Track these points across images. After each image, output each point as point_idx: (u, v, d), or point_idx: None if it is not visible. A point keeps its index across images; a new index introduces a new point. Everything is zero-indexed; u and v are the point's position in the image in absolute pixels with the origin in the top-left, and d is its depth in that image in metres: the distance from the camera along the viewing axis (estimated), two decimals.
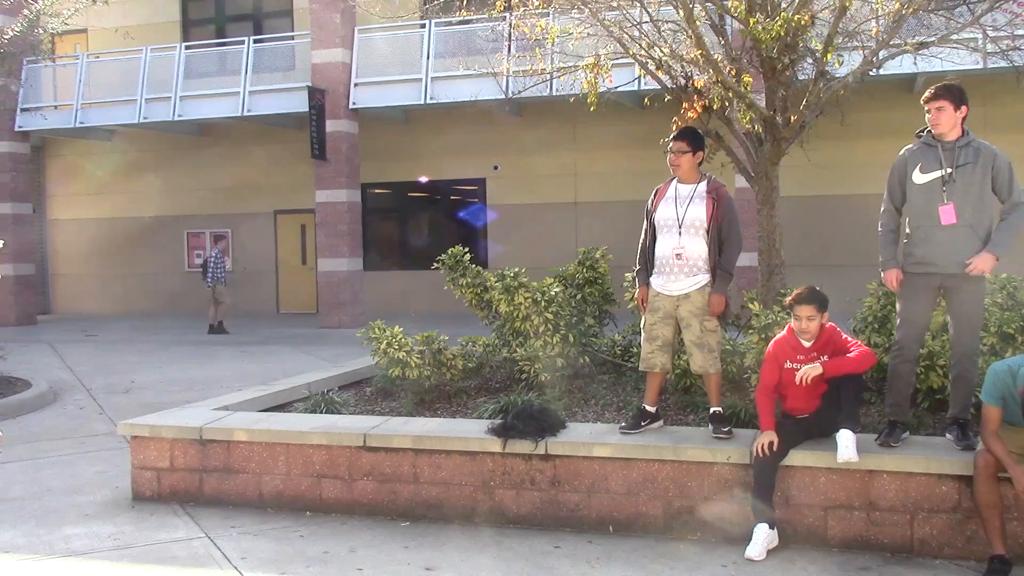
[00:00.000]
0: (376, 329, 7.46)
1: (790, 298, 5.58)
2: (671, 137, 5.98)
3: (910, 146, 5.58)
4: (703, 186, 5.93)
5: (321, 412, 7.03)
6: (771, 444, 5.27)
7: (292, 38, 20.39)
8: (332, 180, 18.66)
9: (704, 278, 5.87)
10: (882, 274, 5.63)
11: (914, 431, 5.79)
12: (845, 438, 5.17)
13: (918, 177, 5.43)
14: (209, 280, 17.89)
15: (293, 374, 9.63)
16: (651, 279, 6.01)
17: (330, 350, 14.32)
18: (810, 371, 5.31)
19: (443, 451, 6.00)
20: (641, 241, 6.13)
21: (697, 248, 5.86)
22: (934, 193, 5.36)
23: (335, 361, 11.44)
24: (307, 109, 18.32)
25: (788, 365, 5.49)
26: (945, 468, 5.17)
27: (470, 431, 6.11)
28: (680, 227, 5.87)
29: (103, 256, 23.68)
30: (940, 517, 5.17)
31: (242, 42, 19.86)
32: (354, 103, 18.69)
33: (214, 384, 11.47)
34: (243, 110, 19.43)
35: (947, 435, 5.51)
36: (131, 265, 23.47)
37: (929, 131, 5.50)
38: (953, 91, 5.38)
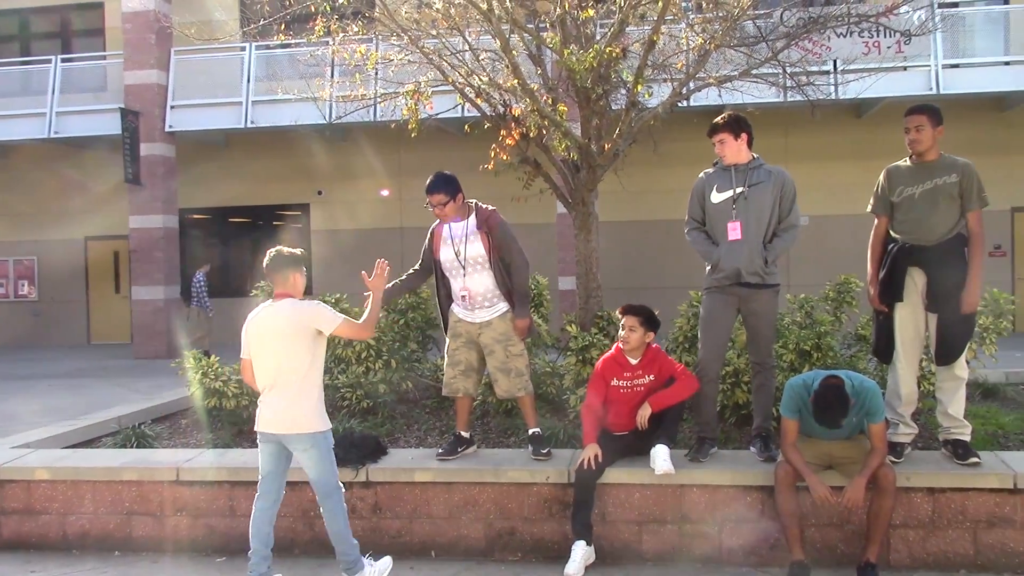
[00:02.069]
0: (191, 359, 7.23)
1: (620, 308, 5.78)
2: (426, 191, 5.93)
3: (709, 170, 5.90)
4: (473, 221, 5.95)
5: (132, 446, 6.74)
6: (596, 456, 5.41)
7: (104, 58, 19.57)
8: (147, 205, 17.95)
9: (503, 305, 5.95)
10: (715, 264, 5.77)
11: (722, 445, 6.08)
12: (662, 452, 5.38)
13: (714, 197, 5.76)
14: (194, 303, 16.86)
15: (103, 407, 9.18)
16: (453, 305, 6.06)
17: (144, 382, 13.73)
18: (643, 413, 5.52)
19: None
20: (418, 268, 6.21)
21: (484, 284, 5.92)
22: (726, 211, 5.68)
23: (149, 393, 10.98)
24: (120, 131, 17.58)
25: (615, 383, 5.67)
26: (749, 480, 5.44)
27: None
28: (464, 267, 5.92)
29: None
30: (746, 527, 5.44)
31: (49, 60, 18.89)
32: (170, 126, 18.08)
33: (16, 420, 10.77)
34: (50, 132, 18.48)
35: (751, 448, 5.81)
36: None
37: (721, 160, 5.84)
38: (730, 123, 5.74)
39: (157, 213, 17.96)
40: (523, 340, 6.01)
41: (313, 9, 7.65)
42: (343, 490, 5.14)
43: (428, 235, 6.13)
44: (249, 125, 17.84)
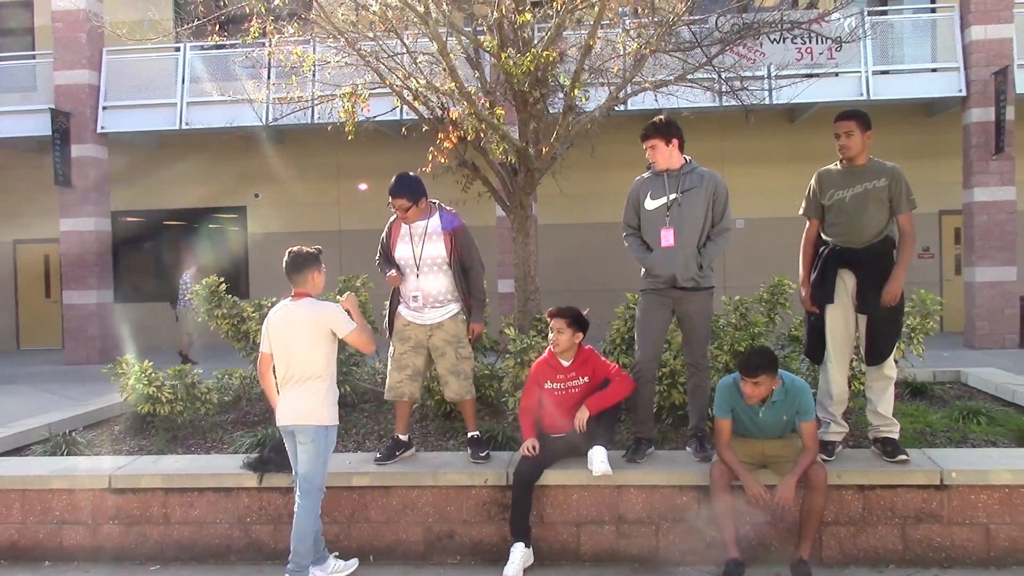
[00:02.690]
0: (124, 364, 7.11)
1: (548, 311, 5.82)
2: (390, 193, 5.89)
3: (643, 175, 5.95)
4: (436, 221, 5.98)
5: (62, 454, 6.60)
6: (534, 447, 5.51)
7: (34, 57, 19.12)
8: (79, 208, 17.58)
9: (454, 306, 5.98)
10: (650, 269, 5.83)
11: (659, 446, 6.13)
12: (599, 453, 5.42)
13: (648, 204, 5.82)
14: (179, 305, 16.40)
15: (33, 415, 8.96)
16: (400, 309, 6.03)
17: (77, 388, 13.44)
18: (581, 417, 5.55)
19: (196, 489, 5.79)
20: (381, 267, 6.13)
21: (438, 285, 5.95)
22: (659, 217, 5.75)
23: (81, 399, 10.75)
24: (50, 132, 17.20)
25: (548, 385, 5.70)
26: (686, 480, 5.51)
27: (225, 467, 5.93)
28: (418, 267, 5.93)
29: None
30: (682, 526, 5.50)
31: None
32: (102, 127, 17.72)
33: None
34: None
35: (687, 448, 5.89)
36: None
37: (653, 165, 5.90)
38: (660, 128, 5.80)
39: (89, 216, 17.60)
40: (470, 343, 6.07)
41: (248, 10, 7.57)
42: (323, 494, 5.19)
43: (386, 230, 6.09)
44: (184, 127, 17.57)
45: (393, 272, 5.95)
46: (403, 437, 6.03)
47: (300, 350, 5.09)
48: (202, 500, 5.79)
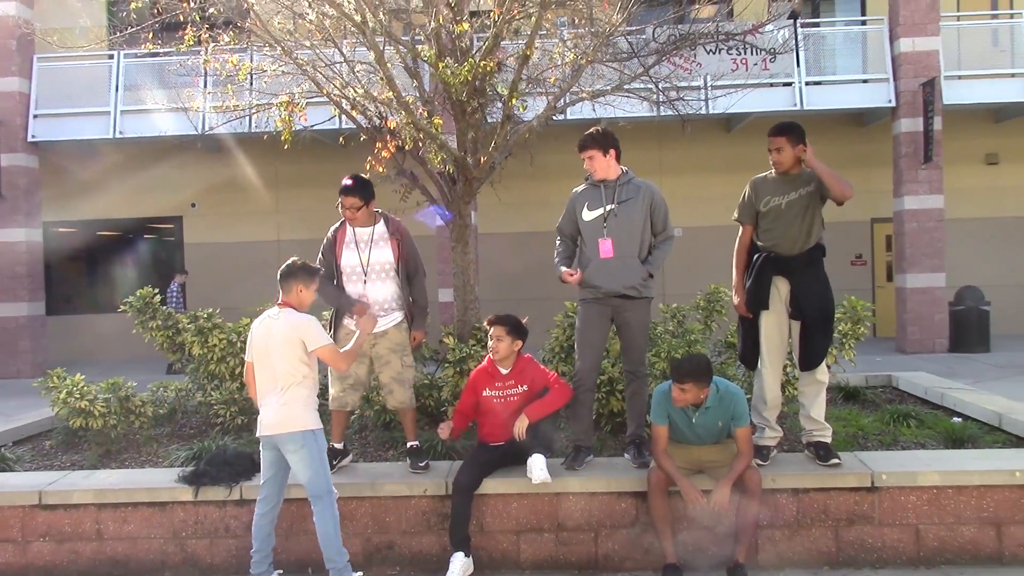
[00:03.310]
0: (55, 378, 6.97)
1: (487, 319, 5.84)
2: (341, 192, 5.95)
3: (580, 187, 6.01)
4: (382, 227, 6.02)
5: None
6: (450, 429, 5.72)
7: None
8: (8, 218, 17.20)
9: (397, 315, 6.00)
10: (561, 276, 5.92)
11: (597, 453, 6.18)
12: (538, 461, 5.44)
13: (586, 215, 5.87)
14: None
15: None
16: (344, 321, 6.00)
17: (6, 402, 13.11)
18: (520, 425, 5.56)
19: (130, 504, 5.69)
20: (322, 286, 5.87)
21: (384, 292, 5.96)
22: (597, 228, 5.80)
23: (11, 414, 10.47)
24: None
25: (487, 393, 5.71)
26: (624, 486, 5.56)
27: (159, 481, 5.84)
28: (365, 274, 5.93)
29: None
30: (621, 532, 5.54)
31: None
32: (33, 136, 17.38)
33: None
34: None
35: (625, 455, 5.94)
36: None
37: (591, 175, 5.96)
38: (597, 139, 5.87)
39: (19, 227, 17.24)
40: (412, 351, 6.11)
41: (183, 18, 7.47)
42: (336, 494, 5.17)
43: (330, 239, 6.03)
44: (118, 135, 17.30)
45: (354, 314, 5.88)
46: (339, 446, 6.00)
47: (277, 360, 5.10)
48: (136, 515, 5.69)
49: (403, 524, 5.62)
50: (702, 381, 5.21)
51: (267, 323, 5.20)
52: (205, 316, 7.30)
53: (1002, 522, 5.42)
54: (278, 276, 5.25)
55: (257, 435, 5.25)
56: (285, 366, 5.09)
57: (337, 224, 6.04)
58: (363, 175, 6.12)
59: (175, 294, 17.24)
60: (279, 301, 5.25)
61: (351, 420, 6.78)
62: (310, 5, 7.25)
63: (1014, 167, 19.01)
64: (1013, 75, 16.97)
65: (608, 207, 5.80)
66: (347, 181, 5.99)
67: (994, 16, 18.56)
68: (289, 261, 5.29)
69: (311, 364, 5.18)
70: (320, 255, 6.06)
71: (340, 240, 6.00)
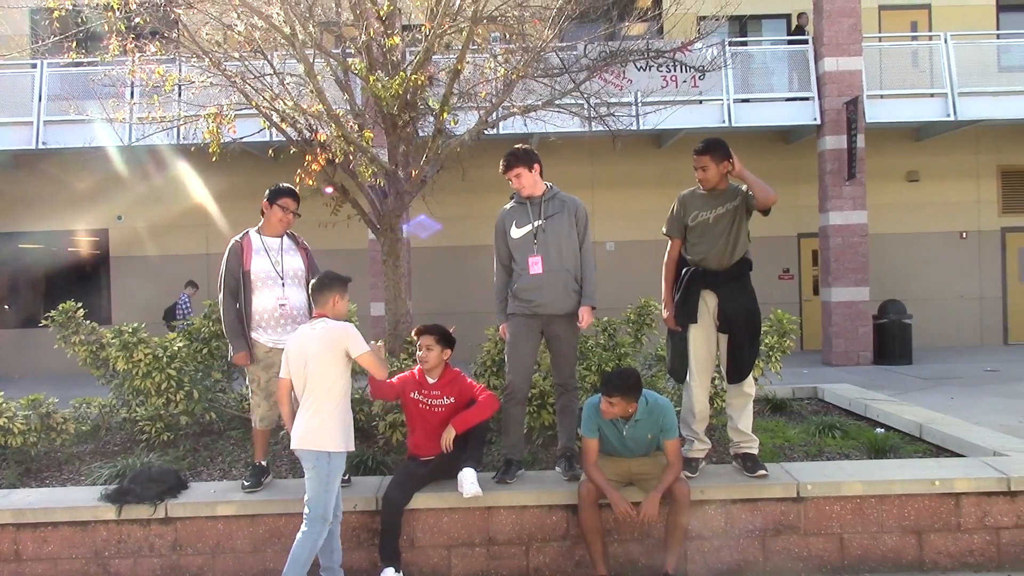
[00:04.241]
0: None
1: (415, 329, 5.83)
2: (285, 194, 5.96)
3: (507, 205, 6.04)
4: (289, 240, 6.03)
5: None
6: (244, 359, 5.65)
7: None
8: None
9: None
10: (518, 295, 5.92)
11: (529, 467, 6.19)
12: (469, 475, 5.43)
13: (515, 232, 5.91)
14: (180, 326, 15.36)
15: None
16: (255, 336, 5.88)
17: None
18: (447, 436, 5.55)
19: (50, 523, 5.54)
20: (226, 302, 5.87)
21: (300, 297, 5.92)
22: (527, 245, 5.84)
23: None
24: None
25: (414, 396, 5.70)
26: (555, 499, 5.57)
27: (81, 499, 5.69)
28: (282, 278, 5.88)
29: None
30: (552, 545, 5.55)
31: None
32: None
33: None
34: None
35: (557, 468, 5.96)
36: None
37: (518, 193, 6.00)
38: (521, 156, 5.92)
39: None
40: None
41: (107, 27, 7.34)
42: (328, 525, 4.99)
43: (235, 248, 5.89)
44: (40, 146, 16.90)
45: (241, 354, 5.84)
46: (263, 463, 5.92)
47: (313, 369, 5.02)
48: (56, 535, 5.54)
49: None
50: (631, 395, 5.25)
51: (301, 335, 5.14)
52: (130, 331, 7.14)
53: (922, 530, 5.55)
54: (311, 289, 5.24)
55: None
56: (323, 376, 5.00)
57: (239, 235, 5.97)
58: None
59: (185, 305, 17.00)
60: (314, 314, 5.21)
61: (280, 435, 6.71)
62: (239, 17, 7.18)
63: (934, 184, 19.59)
64: (932, 95, 17.48)
65: (536, 223, 5.84)
66: (285, 185, 6.04)
67: (914, 38, 19.12)
68: (323, 273, 5.29)
69: (346, 376, 5.10)
70: (224, 264, 5.89)
71: (247, 248, 5.90)
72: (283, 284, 5.87)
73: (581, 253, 5.92)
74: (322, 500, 4.94)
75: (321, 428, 4.97)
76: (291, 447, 5.10)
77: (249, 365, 5.84)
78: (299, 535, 4.93)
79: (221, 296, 5.91)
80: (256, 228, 6.02)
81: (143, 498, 5.51)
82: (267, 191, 6.03)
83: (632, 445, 5.41)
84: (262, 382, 5.88)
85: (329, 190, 7.52)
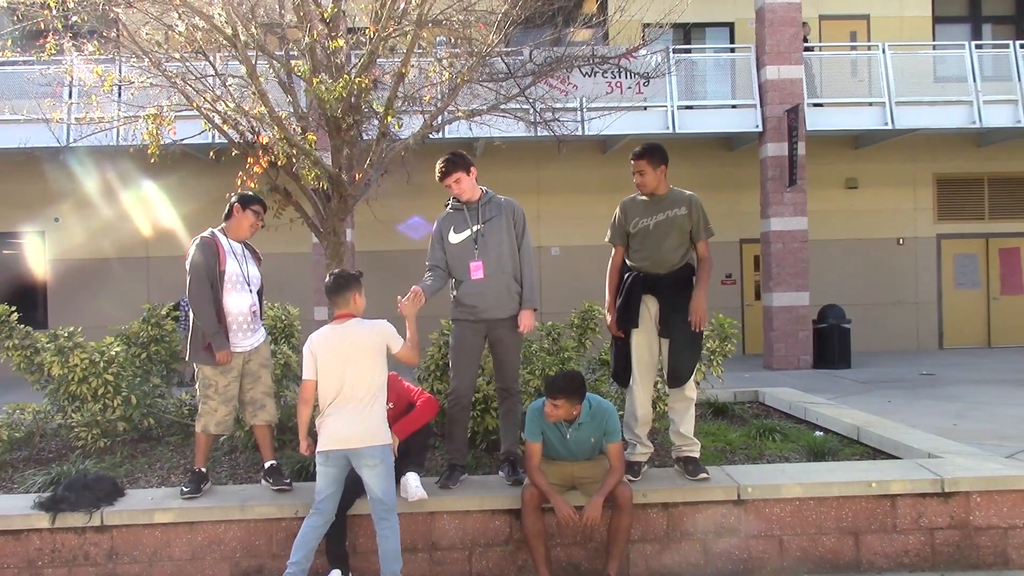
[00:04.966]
0: None
1: None
2: (256, 201, 6.01)
3: (444, 211, 6.04)
4: (246, 248, 6.03)
5: None
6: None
7: None
8: None
9: (263, 331, 6.01)
10: (461, 301, 5.95)
11: (472, 471, 6.18)
12: (413, 480, 5.42)
13: (453, 237, 5.92)
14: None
15: None
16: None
17: None
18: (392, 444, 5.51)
19: None
20: (205, 297, 5.74)
21: (258, 305, 5.98)
22: (467, 251, 5.85)
23: None
24: None
25: None
26: (498, 504, 5.57)
27: (14, 508, 5.56)
28: (249, 284, 5.87)
29: None
30: (495, 550, 5.55)
31: None
32: None
33: None
34: None
35: (500, 472, 5.95)
36: None
37: (456, 199, 6.00)
38: (458, 162, 5.93)
39: None
40: None
41: (43, 26, 7.19)
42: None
43: (209, 247, 5.78)
44: None
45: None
46: (204, 469, 5.84)
47: (355, 368, 5.08)
48: None
49: (273, 547, 5.49)
50: (575, 397, 5.27)
51: (336, 333, 5.16)
52: (66, 335, 7.00)
53: (859, 531, 5.64)
54: (328, 290, 5.29)
55: (322, 449, 5.10)
56: (366, 376, 5.09)
57: (207, 234, 5.90)
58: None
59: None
60: (336, 315, 5.23)
61: (220, 442, 6.63)
62: (180, 17, 7.08)
63: (872, 191, 19.96)
64: (871, 104, 17.82)
65: (475, 228, 5.86)
66: (254, 193, 6.16)
67: (853, 48, 19.50)
68: (336, 273, 5.36)
69: (385, 371, 5.21)
70: (199, 259, 5.75)
71: (220, 248, 5.85)
72: (250, 291, 5.85)
73: (520, 255, 5.95)
74: (393, 490, 5.11)
75: (379, 423, 5.12)
76: (337, 448, 5.05)
77: (227, 363, 5.75)
78: (384, 532, 5.03)
79: (195, 290, 5.75)
80: (219, 229, 5.95)
81: (78, 506, 5.39)
82: (238, 195, 6.03)
83: (575, 448, 5.43)
84: (220, 386, 5.80)
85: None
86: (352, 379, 5.08)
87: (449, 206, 6.02)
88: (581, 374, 5.72)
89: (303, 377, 5.25)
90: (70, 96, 12.57)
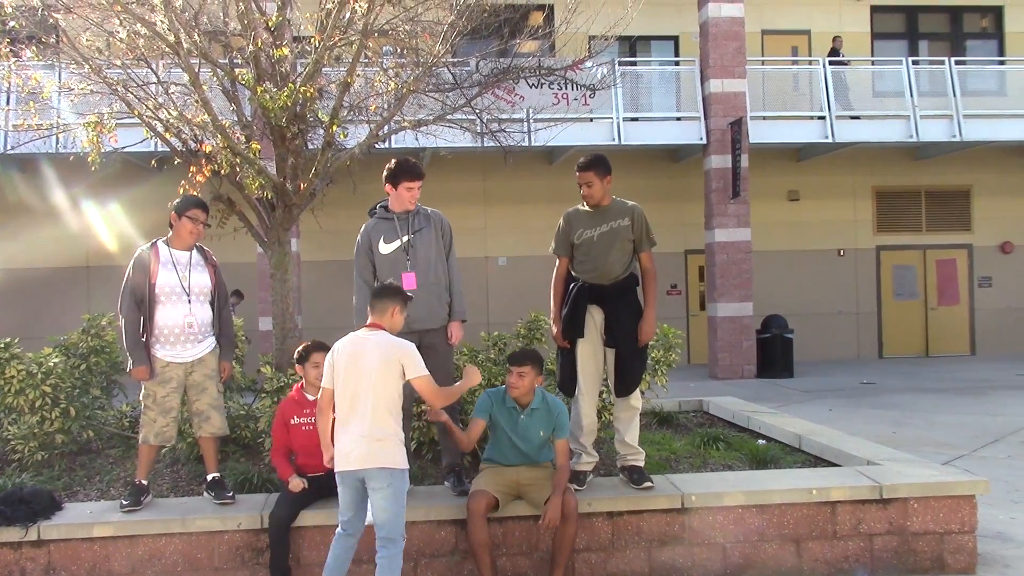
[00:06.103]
0: None
1: (301, 347, 5.76)
2: (195, 206, 5.93)
3: (370, 221, 6.04)
4: (198, 254, 5.94)
5: None
6: (299, 485, 5.39)
7: None
8: None
9: (211, 340, 5.89)
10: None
11: (418, 482, 6.15)
12: None
13: (383, 247, 5.94)
14: None
15: None
16: (154, 351, 5.74)
17: None
18: (328, 455, 5.45)
19: None
20: (128, 314, 5.73)
21: (204, 315, 5.87)
22: (399, 261, 5.88)
23: None
24: None
25: (295, 421, 5.62)
26: (444, 515, 5.57)
27: None
28: (189, 295, 5.78)
29: None
30: (440, 560, 5.54)
31: None
32: None
33: None
34: None
35: (445, 483, 5.94)
36: None
37: (383, 206, 6.08)
38: (419, 169, 6.03)
39: None
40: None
41: None
42: (404, 541, 4.85)
43: (143, 259, 5.75)
44: None
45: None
46: (145, 482, 5.76)
47: (368, 381, 4.79)
48: None
49: (216, 560, 5.42)
50: (537, 366, 5.47)
51: (356, 342, 4.92)
52: (2, 346, 6.85)
53: (801, 538, 5.72)
54: (373, 295, 5.07)
55: (336, 470, 4.86)
56: (378, 391, 4.78)
57: (147, 245, 5.83)
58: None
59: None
60: (367, 323, 5.01)
61: (162, 454, 6.53)
62: (121, 23, 6.98)
63: (813, 203, 20.32)
64: (812, 117, 18.15)
65: (404, 238, 5.88)
66: (193, 196, 6.02)
67: (795, 62, 19.84)
68: (384, 283, 5.18)
69: (401, 391, 4.90)
70: (129, 275, 5.75)
71: (155, 259, 5.77)
72: (189, 300, 5.75)
73: (448, 266, 6.00)
74: (399, 519, 4.82)
75: (390, 445, 4.81)
76: (345, 468, 4.80)
77: (147, 380, 5.69)
78: (381, 562, 4.74)
79: (121, 307, 5.74)
80: (164, 239, 5.89)
81: (13, 520, 5.28)
82: (175, 202, 5.95)
83: (524, 435, 5.46)
84: (158, 397, 5.74)
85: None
86: (365, 391, 4.80)
87: (376, 215, 6.03)
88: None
89: (321, 385, 5.01)
90: (7, 102, 12.35)
